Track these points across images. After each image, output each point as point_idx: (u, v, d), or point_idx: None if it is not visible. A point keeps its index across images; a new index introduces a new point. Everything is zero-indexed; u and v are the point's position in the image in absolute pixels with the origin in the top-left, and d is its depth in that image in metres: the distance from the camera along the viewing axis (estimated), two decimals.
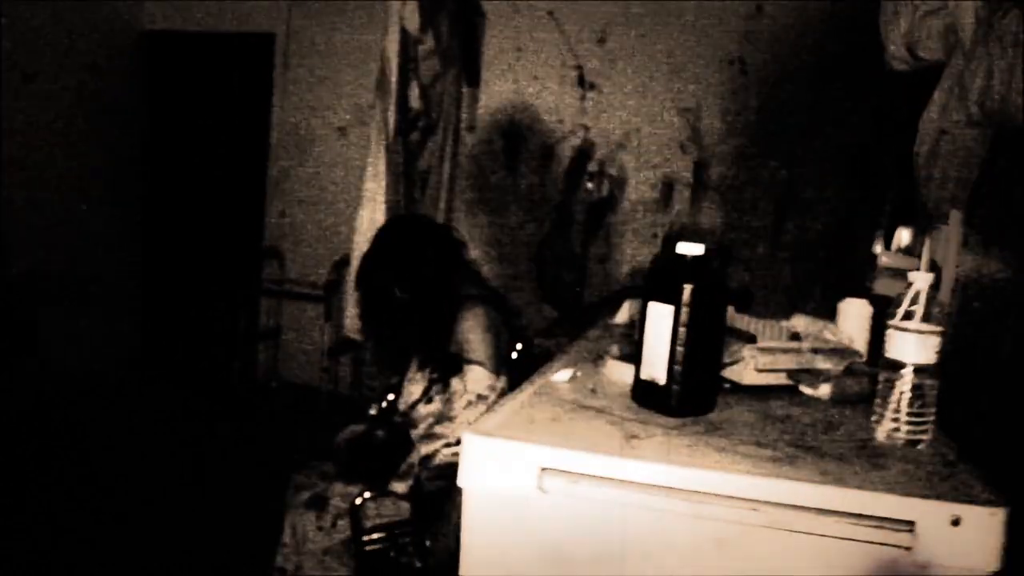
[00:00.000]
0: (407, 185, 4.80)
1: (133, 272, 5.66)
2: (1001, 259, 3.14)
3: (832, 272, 4.91)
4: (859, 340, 2.05)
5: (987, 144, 2.86)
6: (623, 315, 2.39)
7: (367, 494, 2.82)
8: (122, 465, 4.04)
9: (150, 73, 5.78)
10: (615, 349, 1.84)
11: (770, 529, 1.19)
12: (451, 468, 2.87)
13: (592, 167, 5.53)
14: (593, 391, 1.61)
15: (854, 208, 4.87)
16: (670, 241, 5.45)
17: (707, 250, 1.47)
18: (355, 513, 2.81)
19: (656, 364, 1.49)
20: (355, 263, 4.36)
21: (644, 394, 1.53)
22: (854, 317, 2.14)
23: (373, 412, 3.34)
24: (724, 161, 5.49)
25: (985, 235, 3.20)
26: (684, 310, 1.46)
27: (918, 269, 3.26)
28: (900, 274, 3.13)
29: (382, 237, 3.11)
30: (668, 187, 5.53)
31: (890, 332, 1.45)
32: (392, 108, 4.49)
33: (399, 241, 3.00)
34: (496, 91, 5.62)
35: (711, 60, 5.39)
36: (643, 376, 1.53)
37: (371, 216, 4.39)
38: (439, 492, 2.86)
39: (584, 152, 5.54)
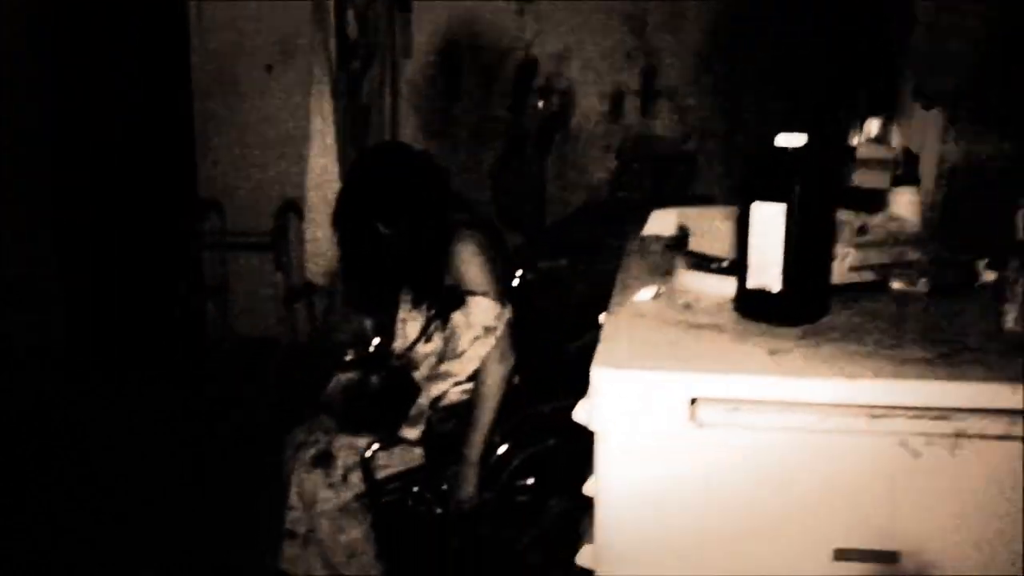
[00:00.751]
0: (353, 117, 4.55)
1: (44, 241, 5.16)
2: (998, 140, 3.05)
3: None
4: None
5: (989, 20, 2.74)
6: (652, 227, 2.23)
7: (376, 445, 2.64)
8: (104, 458, 3.86)
9: (46, 20, 5.23)
10: (682, 260, 1.68)
11: (958, 437, 1.06)
12: (462, 408, 2.72)
13: (539, 83, 5.31)
14: (688, 307, 1.46)
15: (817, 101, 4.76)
16: (623, 153, 5.31)
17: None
18: (366, 466, 2.63)
19: (767, 270, 1.34)
20: (311, 202, 4.12)
21: (753, 304, 1.38)
22: (906, 205, 2.02)
23: (350, 358, 3.16)
24: (673, 67, 5.33)
25: (981, 116, 3.11)
26: (797, 207, 1.30)
27: (898, 158, 3.17)
28: (879, 164, 3.02)
29: (359, 170, 2.87)
30: (618, 97, 5.36)
31: (1022, 213, 1.32)
32: (331, 37, 4.21)
33: (378, 173, 2.77)
34: (430, 14, 5.32)
35: None
36: (751, 285, 1.37)
37: (321, 151, 4.15)
38: (451, 434, 2.70)
39: (528, 68, 5.31)
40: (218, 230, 5.36)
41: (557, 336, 3.13)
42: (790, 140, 1.34)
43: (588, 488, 1.27)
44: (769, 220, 1.32)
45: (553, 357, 3.05)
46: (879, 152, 3.16)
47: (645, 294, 1.51)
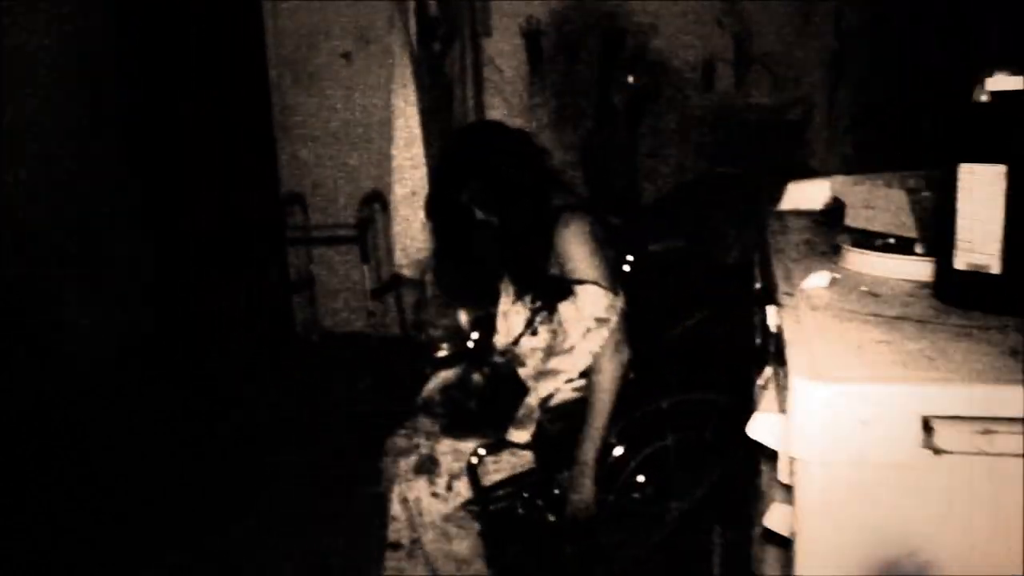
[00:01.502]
0: (436, 99, 4.37)
1: (137, 239, 5.07)
2: None
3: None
4: None
5: None
6: (792, 201, 1.98)
7: (482, 449, 2.45)
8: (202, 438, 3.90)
9: (120, 17, 5.10)
10: (846, 237, 1.43)
11: None
12: (575, 407, 2.50)
13: (626, 55, 5.05)
14: (873, 295, 1.21)
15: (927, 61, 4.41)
16: (719, 126, 5.04)
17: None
18: (472, 472, 2.43)
19: (983, 247, 1.09)
20: (397, 189, 3.95)
21: (962, 289, 1.13)
22: None
23: (443, 354, 2.96)
24: (766, 32, 5.01)
25: None
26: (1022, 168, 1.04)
27: None
28: None
29: (452, 151, 2.67)
30: (710, 67, 5.07)
31: None
32: (412, 16, 4.03)
33: (472, 154, 2.56)
34: None
35: None
36: (960, 266, 1.12)
37: (405, 135, 3.98)
38: (563, 435, 2.49)
39: (615, 40, 5.05)
40: (301, 224, 5.23)
41: (661, 322, 2.91)
42: (1008, 83, 1.08)
43: (774, 520, 1.04)
44: (984, 185, 1.07)
45: (659, 346, 2.84)
46: None
47: (818, 280, 1.26)
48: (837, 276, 1.30)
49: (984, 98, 1.10)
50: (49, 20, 4.42)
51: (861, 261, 1.35)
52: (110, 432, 3.88)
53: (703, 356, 2.86)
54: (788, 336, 1.02)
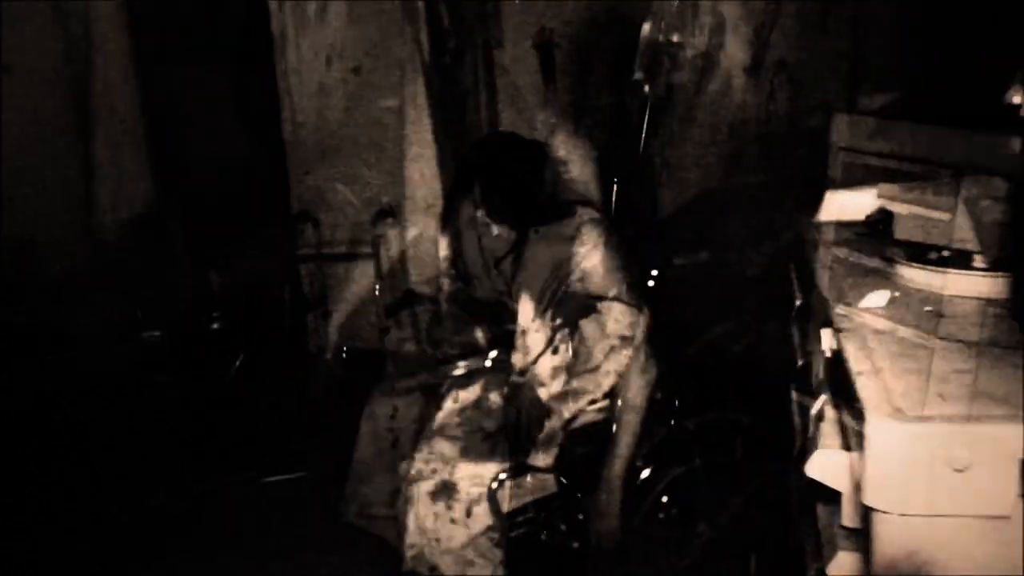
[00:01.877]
0: (448, 111, 4.30)
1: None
2: None
3: None
4: None
5: None
6: (830, 211, 1.87)
7: (502, 474, 2.34)
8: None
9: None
10: (899, 251, 1.32)
11: None
12: (599, 428, 2.40)
13: (641, 63, 4.95)
14: (939, 314, 1.10)
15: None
16: (735, 135, 4.94)
17: None
18: (493, 498, 2.32)
19: None
20: (410, 203, 3.88)
21: None
22: None
23: (461, 372, 2.87)
24: (782, 38, 4.91)
25: None
26: None
27: None
28: None
29: (468, 163, 2.59)
30: (726, 73, 4.97)
31: None
32: (423, 28, 3.96)
33: (487, 166, 2.48)
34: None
35: None
36: None
37: (418, 148, 3.92)
38: (588, 459, 2.38)
39: (628, 48, 4.96)
40: (313, 242, 5.15)
41: (685, 338, 2.82)
42: None
43: (838, 569, 0.93)
44: None
45: (682, 362, 2.75)
46: None
47: (877, 299, 1.15)
48: (895, 294, 1.19)
49: (1016, 100, 0.99)
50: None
51: (920, 277, 1.24)
52: (110, 432, 3.83)
53: (727, 372, 2.77)
54: (854, 364, 0.90)
